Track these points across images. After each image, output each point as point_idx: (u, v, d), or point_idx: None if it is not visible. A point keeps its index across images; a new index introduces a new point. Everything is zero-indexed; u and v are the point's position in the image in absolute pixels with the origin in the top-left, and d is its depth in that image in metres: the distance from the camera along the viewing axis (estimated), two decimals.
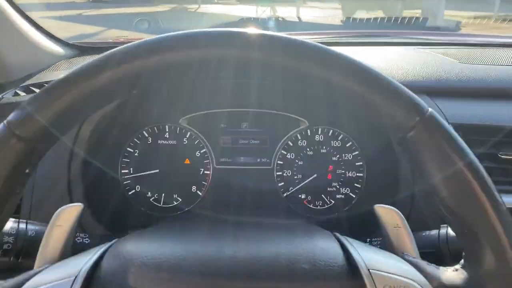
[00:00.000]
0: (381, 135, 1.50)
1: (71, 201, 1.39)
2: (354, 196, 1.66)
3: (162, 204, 1.67)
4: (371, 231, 1.40)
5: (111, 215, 1.52)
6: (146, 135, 1.68)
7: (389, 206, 0.94)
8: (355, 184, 1.66)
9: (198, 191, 1.68)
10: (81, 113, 0.66)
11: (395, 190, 1.45)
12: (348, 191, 1.67)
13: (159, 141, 1.68)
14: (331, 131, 1.68)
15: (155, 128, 1.68)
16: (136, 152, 1.67)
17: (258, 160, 1.71)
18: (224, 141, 1.72)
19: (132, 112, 1.59)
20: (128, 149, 1.67)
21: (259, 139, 1.72)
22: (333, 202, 1.66)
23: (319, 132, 1.68)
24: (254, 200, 1.67)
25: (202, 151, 1.69)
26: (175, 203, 1.67)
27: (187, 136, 1.69)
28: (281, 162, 1.68)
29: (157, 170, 1.64)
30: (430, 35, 2.61)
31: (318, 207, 1.67)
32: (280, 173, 1.68)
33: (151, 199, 1.67)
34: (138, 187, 1.67)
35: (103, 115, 1.47)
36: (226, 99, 1.67)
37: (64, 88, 0.60)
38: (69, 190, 1.41)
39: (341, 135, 1.67)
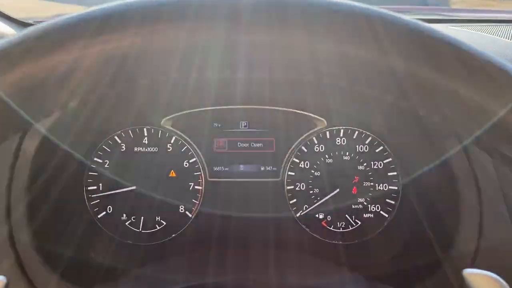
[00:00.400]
0: (424, 136, 1.14)
1: (11, 240, 1.01)
2: (386, 215, 1.31)
3: (141, 230, 1.30)
4: (419, 272, 1.05)
5: (72, 251, 1.15)
6: (119, 141, 1.31)
7: (489, 273, 0.60)
8: (388, 200, 1.31)
9: (187, 212, 1.32)
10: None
11: (448, 213, 1.09)
12: (378, 209, 1.32)
13: (135, 149, 1.31)
14: (356, 132, 1.31)
15: (130, 132, 1.31)
16: (106, 163, 1.30)
17: (263, 168, 1.35)
18: (218, 145, 1.35)
19: (98, 111, 1.20)
20: (95, 159, 1.30)
21: (262, 141, 1.36)
22: (359, 223, 1.31)
23: (341, 134, 1.32)
24: (258, 222, 1.31)
25: (191, 160, 1.32)
26: (158, 228, 1.31)
27: (172, 142, 1.32)
28: (293, 173, 1.32)
29: (133, 187, 1.27)
30: (445, 11, 2.24)
31: (341, 230, 1.32)
32: (292, 187, 1.32)
33: (126, 224, 1.31)
34: (109, 209, 1.30)
35: (59, 115, 1.09)
36: (220, 93, 1.29)
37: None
38: (8, 221, 1.03)
39: (369, 138, 1.31)
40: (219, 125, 1.37)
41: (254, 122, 1.38)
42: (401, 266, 1.15)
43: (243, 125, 1.38)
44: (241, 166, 1.37)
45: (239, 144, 1.37)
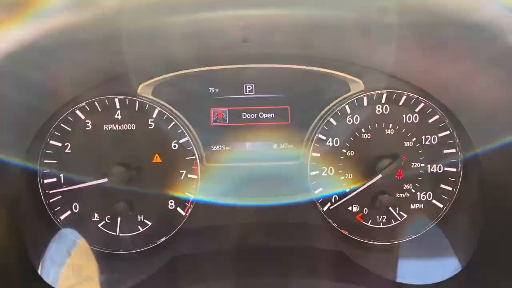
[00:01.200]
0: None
1: None
2: (441, 206, 1.01)
3: (119, 234, 0.99)
4: None
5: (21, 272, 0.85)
6: (82, 116, 0.98)
7: None
8: (443, 186, 1.00)
9: (178, 209, 1.00)
10: None
11: None
12: (430, 197, 1.01)
13: (105, 127, 0.99)
14: (404, 97, 0.98)
15: (96, 104, 0.98)
16: (67, 146, 0.99)
17: (275, 147, 1.03)
18: (216, 116, 1.02)
19: (53, 76, 0.86)
20: (51, 142, 0.97)
21: (274, 110, 1.02)
22: (405, 216, 1.00)
23: (383, 100, 0.99)
24: (273, 220, 1.01)
25: (181, 140, 0.99)
26: (141, 230, 1.00)
27: (154, 115, 0.98)
28: (317, 154, 1.00)
29: (105, 179, 0.94)
30: None
31: (381, 226, 1.02)
32: (317, 172, 1.01)
33: (99, 226, 0.99)
34: (75, 207, 0.99)
35: None
36: (216, 47, 0.94)
37: None
38: None
39: (422, 105, 0.98)
40: (216, 90, 1.03)
41: (262, 85, 1.05)
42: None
43: (248, 89, 1.04)
44: (247, 143, 1.05)
45: (244, 115, 1.04)
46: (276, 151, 1.04)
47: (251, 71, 1.04)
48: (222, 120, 1.05)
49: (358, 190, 0.98)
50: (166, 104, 1.00)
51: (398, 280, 0.96)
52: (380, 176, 0.97)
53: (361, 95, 0.99)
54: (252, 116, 1.05)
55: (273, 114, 1.05)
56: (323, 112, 1.00)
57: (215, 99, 1.04)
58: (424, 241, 1.01)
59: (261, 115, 1.05)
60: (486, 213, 0.93)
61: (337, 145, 1.00)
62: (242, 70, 1.04)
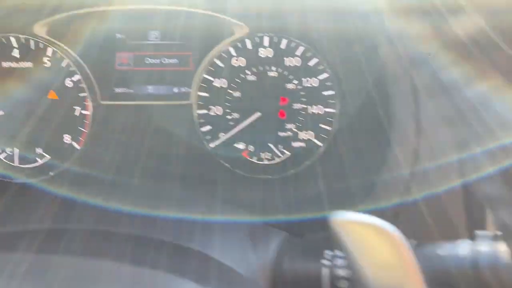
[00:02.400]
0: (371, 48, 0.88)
1: None
2: (320, 144, 1.08)
3: (19, 164, 1.05)
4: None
5: None
6: None
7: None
8: (322, 125, 1.07)
9: (73, 142, 1.06)
10: None
11: (384, 141, 0.87)
12: (311, 136, 1.07)
13: (3, 64, 1.02)
14: (285, 41, 1.04)
15: None
16: None
17: (176, 90, 1.09)
18: (121, 61, 1.07)
19: None
20: None
21: (176, 56, 1.07)
22: (287, 153, 1.08)
23: (266, 44, 1.05)
24: (163, 156, 1.07)
25: (74, 78, 1.04)
26: (39, 162, 1.06)
27: (49, 54, 1.02)
28: (206, 94, 1.06)
29: (1, 112, 1.00)
30: None
31: (265, 162, 1.08)
32: (204, 111, 1.07)
33: (0, 157, 1.04)
34: None
35: None
36: None
37: None
38: None
39: (302, 48, 1.04)
40: (123, 36, 1.08)
41: (168, 32, 1.09)
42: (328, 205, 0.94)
43: (153, 35, 1.09)
44: (149, 87, 1.10)
45: (147, 60, 1.09)
46: (175, 94, 1.09)
47: (157, 17, 1.08)
48: (127, 65, 1.10)
49: (239, 127, 1.05)
50: (61, 44, 1.04)
51: (281, 211, 1.04)
52: (259, 114, 1.04)
53: (243, 38, 1.04)
54: (156, 61, 1.10)
55: (176, 60, 1.10)
56: (210, 55, 1.06)
57: (120, 43, 1.08)
58: (302, 176, 1.08)
59: (164, 60, 1.10)
60: (355, 150, 1.01)
61: (225, 85, 1.06)
62: (148, 15, 1.08)
